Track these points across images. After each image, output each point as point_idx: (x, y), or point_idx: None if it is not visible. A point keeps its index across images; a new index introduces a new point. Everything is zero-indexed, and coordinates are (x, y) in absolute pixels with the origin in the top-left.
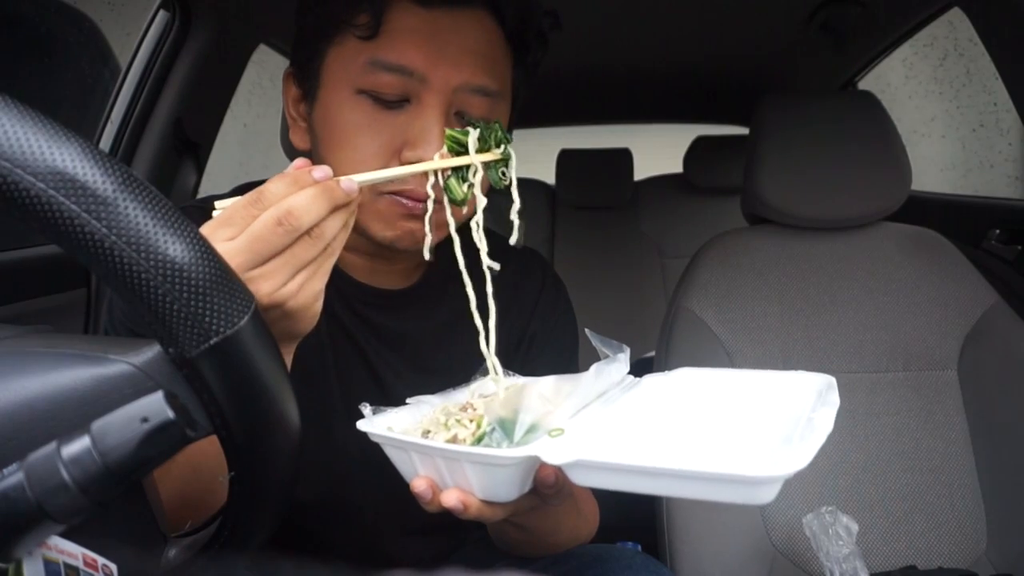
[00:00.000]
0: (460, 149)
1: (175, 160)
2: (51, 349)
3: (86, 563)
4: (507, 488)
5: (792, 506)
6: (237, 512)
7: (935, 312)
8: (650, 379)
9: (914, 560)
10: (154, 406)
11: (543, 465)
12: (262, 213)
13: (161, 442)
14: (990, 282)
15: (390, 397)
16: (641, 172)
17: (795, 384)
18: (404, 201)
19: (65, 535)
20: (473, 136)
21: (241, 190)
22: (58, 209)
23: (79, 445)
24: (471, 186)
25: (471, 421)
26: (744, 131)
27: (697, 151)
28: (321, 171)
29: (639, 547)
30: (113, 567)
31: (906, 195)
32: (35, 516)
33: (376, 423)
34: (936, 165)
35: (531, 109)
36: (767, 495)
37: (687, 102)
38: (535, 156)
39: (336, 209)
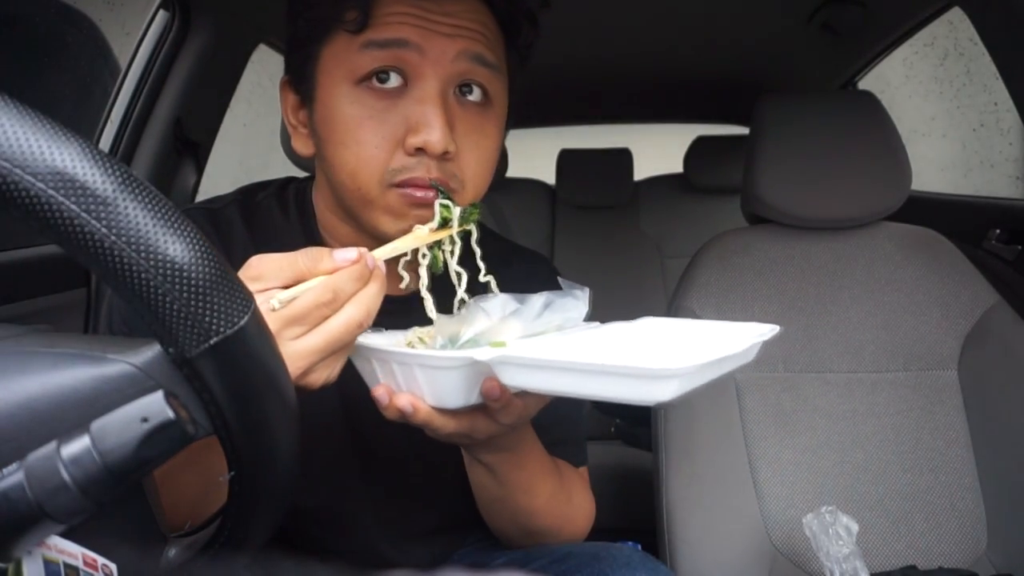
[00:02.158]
0: (444, 224)
1: (175, 160)
2: (51, 349)
3: (86, 563)
4: (452, 393)
5: (792, 506)
6: (237, 512)
7: (935, 312)
8: (613, 324)
9: (914, 560)
10: (154, 406)
11: (488, 378)
12: (335, 313)
13: (161, 442)
14: (990, 282)
15: None
16: (641, 172)
17: (741, 328)
18: (413, 192)
19: (65, 535)
20: (456, 212)
21: (242, 191)
22: (58, 209)
23: (79, 445)
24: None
25: (431, 338)
26: (744, 131)
27: (697, 151)
28: (372, 259)
29: (639, 547)
30: (113, 567)
31: (906, 195)
32: (35, 516)
33: None
34: (936, 165)
35: (531, 109)
36: (662, 392)
37: (687, 102)
38: (535, 156)
39: None
